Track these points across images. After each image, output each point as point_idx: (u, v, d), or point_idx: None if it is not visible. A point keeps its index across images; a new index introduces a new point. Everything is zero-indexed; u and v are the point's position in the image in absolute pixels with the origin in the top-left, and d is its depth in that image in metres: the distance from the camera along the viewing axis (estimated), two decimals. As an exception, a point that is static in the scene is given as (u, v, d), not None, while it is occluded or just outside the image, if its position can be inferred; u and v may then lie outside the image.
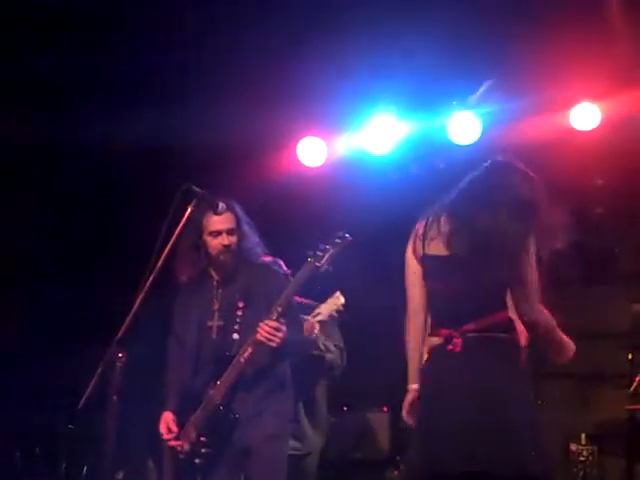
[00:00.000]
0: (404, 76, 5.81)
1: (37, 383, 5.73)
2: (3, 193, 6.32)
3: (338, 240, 3.86)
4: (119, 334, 3.33)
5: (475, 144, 5.98)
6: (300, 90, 5.91)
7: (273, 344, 3.87)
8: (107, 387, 3.25)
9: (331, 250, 3.84)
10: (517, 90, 5.74)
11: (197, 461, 3.97)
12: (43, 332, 5.92)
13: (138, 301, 3.39)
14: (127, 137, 5.99)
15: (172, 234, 3.62)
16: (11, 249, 6.40)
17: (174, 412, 4.07)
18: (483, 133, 5.97)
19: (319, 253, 3.85)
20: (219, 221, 4.10)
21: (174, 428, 4.03)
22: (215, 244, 4.10)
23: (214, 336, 4.09)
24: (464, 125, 5.98)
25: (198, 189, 3.79)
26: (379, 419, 6.02)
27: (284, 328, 3.91)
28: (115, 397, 3.19)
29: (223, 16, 5.65)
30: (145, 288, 3.41)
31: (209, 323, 4.11)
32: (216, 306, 4.12)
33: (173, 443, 4.00)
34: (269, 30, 5.72)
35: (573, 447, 5.91)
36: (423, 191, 6.04)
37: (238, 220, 4.15)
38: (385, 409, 6.05)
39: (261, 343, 3.88)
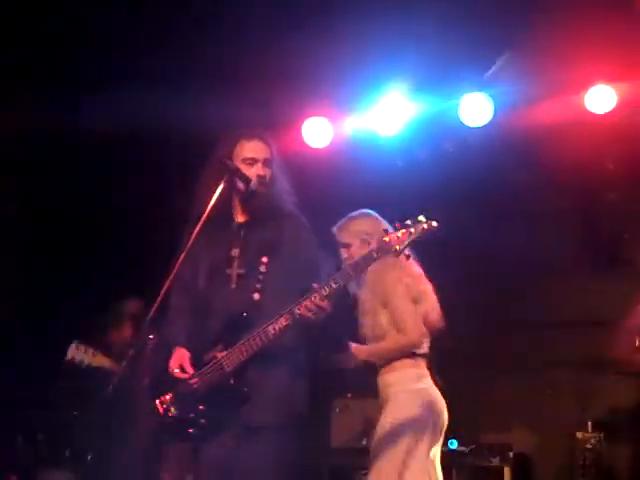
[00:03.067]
0: (414, 56, 5.72)
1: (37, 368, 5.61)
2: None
3: (424, 226, 3.37)
4: (149, 315, 3.17)
5: (487, 126, 5.90)
6: (306, 68, 5.82)
7: (312, 319, 3.43)
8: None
9: (413, 236, 3.37)
10: (530, 71, 5.67)
11: (191, 430, 3.58)
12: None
13: (168, 281, 3.23)
14: (132, 120, 5.85)
15: (203, 212, 3.45)
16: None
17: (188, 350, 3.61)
18: (495, 115, 5.88)
19: (398, 234, 3.39)
20: (256, 148, 3.71)
21: (189, 369, 3.58)
22: (250, 174, 3.67)
23: (233, 285, 3.65)
24: (475, 107, 5.90)
25: (232, 163, 3.61)
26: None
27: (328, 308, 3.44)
28: (146, 380, 3.04)
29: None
30: (176, 268, 3.25)
31: (227, 271, 3.66)
32: (236, 253, 3.68)
33: (193, 381, 3.55)
34: (274, 7, 5.61)
35: (579, 435, 5.91)
36: (430, 176, 6.07)
37: (273, 154, 3.75)
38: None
39: (301, 317, 3.43)
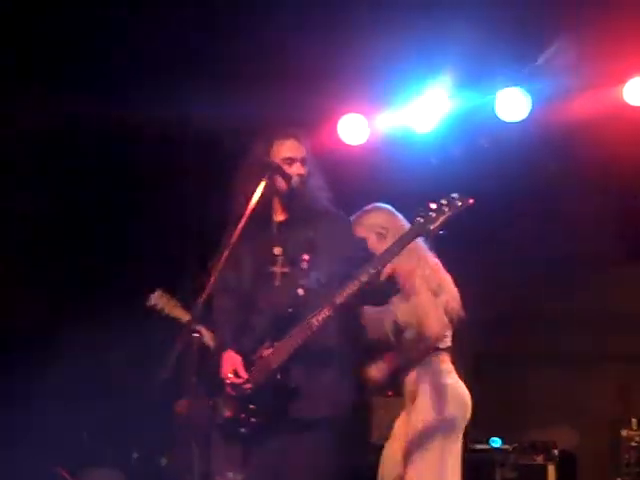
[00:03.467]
0: (450, 51, 5.71)
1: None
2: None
3: (459, 203, 3.30)
4: (193, 314, 3.19)
5: (524, 121, 5.88)
6: (342, 65, 5.82)
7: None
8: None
9: (448, 213, 3.30)
10: (568, 64, 5.62)
11: (242, 430, 3.58)
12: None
13: (213, 278, 3.25)
14: (169, 117, 5.91)
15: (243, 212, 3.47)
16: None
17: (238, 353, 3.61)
18: (532, 110, 5.85)
19: (431, 214, 3.33)
20: (293, 147, 3.74)
21: (244, 374, 3.57)
22: (290, 173, 3.70)
23: (277, 284, 3.69)
24: (512, 101, 5.86)
25: (274, 161, 3.64)
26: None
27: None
28: (194, 379, 3.06)
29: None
30: (221, 264, 3.28)
31: (271, 269, 3.69)
32: (279, 251, 3.71)
33: (247, 386, 3.54)
34: (309, 3, 5.62)
35: (624, 433, 5.87)
36: (465, 172, 6.05)
37: (308, 152, 3.78)
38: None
39: (342, 306, 3.46)
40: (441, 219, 3.31)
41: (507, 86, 5.87)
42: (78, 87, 5.92)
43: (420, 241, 4.03)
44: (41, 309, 6.30)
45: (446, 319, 4.11)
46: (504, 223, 6.18)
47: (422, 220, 3.35)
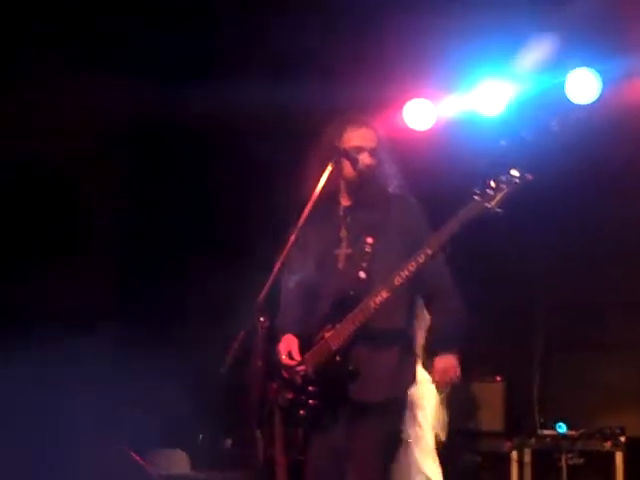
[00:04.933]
0: (519, 34, 5.68)
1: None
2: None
3: (517, 180, 3.26)
4: (260, 297, 3.27)
5: (594, 103, 5.82)
6: (408, 49, 5.83)
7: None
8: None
9: (506, 190, 3.26)
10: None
11: (302, 412, 3.64)
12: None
13: (279, 263, 3.32)
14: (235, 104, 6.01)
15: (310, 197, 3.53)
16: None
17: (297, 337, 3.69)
18: (603, 91, 5.78)
19: (489, 191, 3.29)
20: (362, 136, 3.76)
21: (297, 356, 3.65)
22: (357, 159, 3.71)
23: (341, 266, 3.71)
24: (582, 83, 5.81)
25: (340, 146, 3.68)
26: (492, 389, 5.97)
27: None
28: (260, 362, 3.14)
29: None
30: (287, 249, 3.35)
31: (336, 251, 3.73)
32: (344, 234, 3.74)
33: (300, 368, 3.62)
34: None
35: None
36: (535, 154, 5.99)
37: (380, 141, 3.80)
38: (499, 379, 6.00)
39: (400, 288, 3.49)
40: (499, 196, 3.26)
41: (578, 67, 5.82)
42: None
43: None
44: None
45: None
46: (572, 204, 6.13)
47: (480, 198, 3.31)
